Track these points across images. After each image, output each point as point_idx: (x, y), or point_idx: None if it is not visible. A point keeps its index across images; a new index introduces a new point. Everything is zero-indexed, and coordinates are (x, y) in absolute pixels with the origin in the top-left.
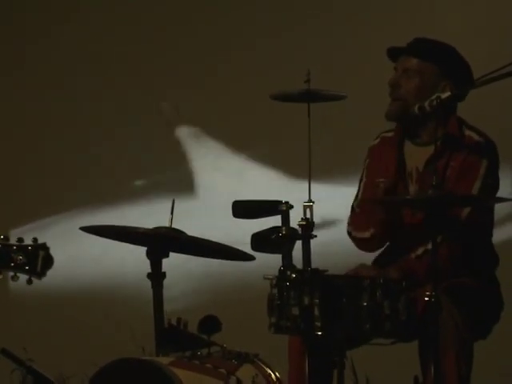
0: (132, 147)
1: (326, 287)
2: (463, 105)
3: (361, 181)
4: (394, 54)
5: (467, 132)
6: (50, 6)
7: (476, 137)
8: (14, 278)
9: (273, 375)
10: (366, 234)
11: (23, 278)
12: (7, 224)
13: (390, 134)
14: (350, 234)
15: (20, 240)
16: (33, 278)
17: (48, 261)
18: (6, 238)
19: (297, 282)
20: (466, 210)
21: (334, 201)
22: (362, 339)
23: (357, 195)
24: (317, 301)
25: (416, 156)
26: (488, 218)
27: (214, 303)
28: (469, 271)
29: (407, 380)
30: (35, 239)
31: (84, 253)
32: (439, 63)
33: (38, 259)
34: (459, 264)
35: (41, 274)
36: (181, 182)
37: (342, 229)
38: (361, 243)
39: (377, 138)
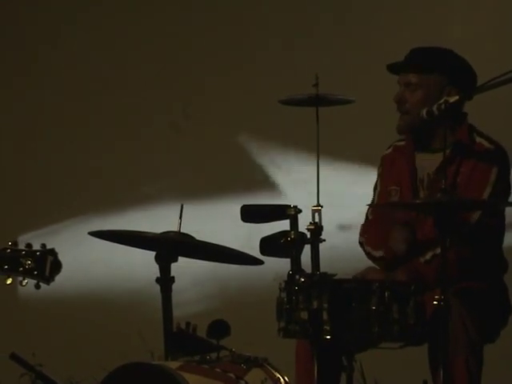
0: (141, 151)
1: (334, 291)
2: (475, 112)
3: (375, 189)
4: (394, 69)
5: (478, 139)
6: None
7: (487, 144)
8: (23, 282)
9: (282, 379)
10: (379, 254)
11: (32, 283)
12: (16, 230)
13: (402, 143)
14: (361, 244)
15: (28, 245)
16: (41, 283)
17: (56, 266)
18: (15, 244)
19: (305, 286)
20: (476, 215)
21: (342, 205)
22: (370, 343)
23: (372, 204)
24: (325, 305)
25: (428, 162)
26: (498, 223)
27: (222, 307)
28: (477, 275)
29: None
30: (44, 245)
31: (93, 258)
32: (439, 71)
33: (47, 264)
34: (467, 268)
35: (49, 279)
36: (189, 187)
37: (351, 233)
38: (373, 259)
39: (389, 148)
